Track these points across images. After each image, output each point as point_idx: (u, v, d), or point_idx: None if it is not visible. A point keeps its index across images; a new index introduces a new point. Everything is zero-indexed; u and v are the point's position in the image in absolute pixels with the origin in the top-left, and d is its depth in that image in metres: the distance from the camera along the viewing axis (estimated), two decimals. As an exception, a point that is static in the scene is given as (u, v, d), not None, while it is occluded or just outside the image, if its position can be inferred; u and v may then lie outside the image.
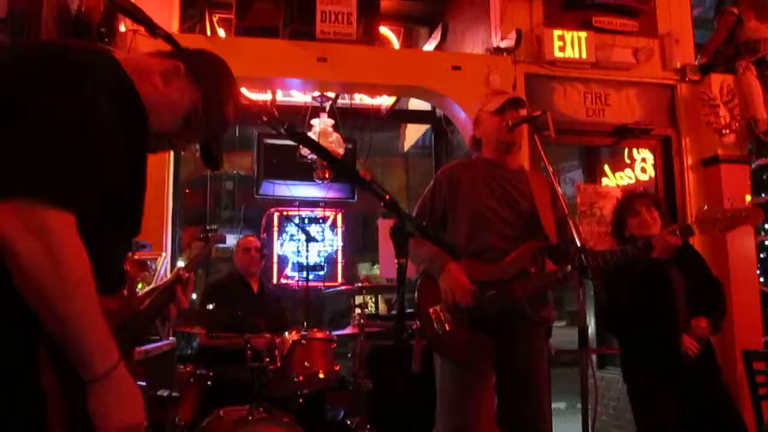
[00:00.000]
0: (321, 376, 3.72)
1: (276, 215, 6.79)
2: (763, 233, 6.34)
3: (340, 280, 6.80)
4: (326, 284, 6.60)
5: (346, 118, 6.18)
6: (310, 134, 5.42)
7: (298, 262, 6.66)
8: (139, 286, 3.64)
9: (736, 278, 5.08)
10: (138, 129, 1.32)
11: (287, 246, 6.80)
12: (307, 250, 5.21)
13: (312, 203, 6.67)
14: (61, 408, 1.16)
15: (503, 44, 5.33)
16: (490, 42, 5.49)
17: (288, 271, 6.74)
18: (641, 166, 5.84)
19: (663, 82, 5.67)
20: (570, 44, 5.36)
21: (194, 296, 4.79)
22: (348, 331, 4.23)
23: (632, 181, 5.81)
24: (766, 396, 4.00)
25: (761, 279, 5.61)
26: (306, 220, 6.82)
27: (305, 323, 4.07)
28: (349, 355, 4.28)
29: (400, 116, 7.19)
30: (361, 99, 6.57)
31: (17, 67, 1.19)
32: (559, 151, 6.53)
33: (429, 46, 6.80)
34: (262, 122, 1.56)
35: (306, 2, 4.94)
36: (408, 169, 9.73)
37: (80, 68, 1.22)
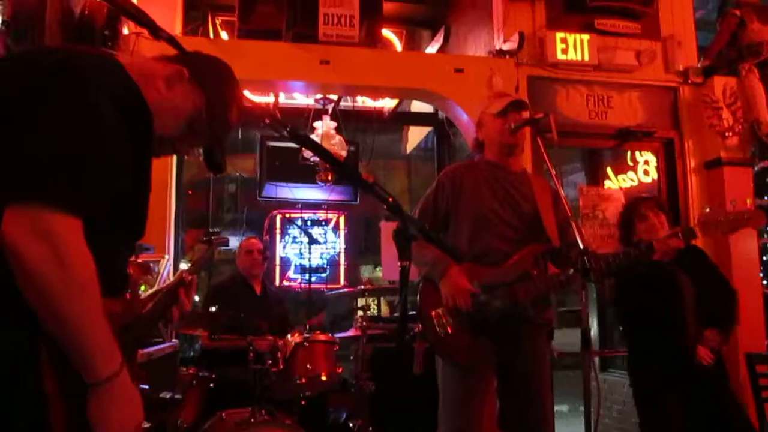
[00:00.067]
0: (323, 378, 3.72)
1: (278, 217, 6.80)
2: (766, 236, 6.33)
3: (342, 282, 6.80)
4: (329, 286, 6.60)
5: (348, 121, 6.18)
6: (312, 137, 5.42)
7: (300, 265, 6.67)
8: (142, 288, 3.64)
9: (739, 281, 5.05)
10: (143, 134, 1.32)
11: (290, 248, 6.81)
12: (310, 253, 5.22)
13: (314, 205, 6.68)
14: (63, 412, 1.16)
15: (506, 47, 5.33)
16: (493, 44, 5.50)
17: (290, 274, 6.75)
18: (644, 168, 5.83)
19: (666, 84, 5.67)
20: (572, 47, 5.36)
21: (196, 298, 4.79)
22: (350, 333, 4.22)
23: (635, 184, 5.81)
24: (769, 399, 4.00)
25: (764, 281, 5.61)
26: (308, 223, 6.83)
27: (308, 326, 4.06)
28: (352, 358, 4.27)
29: (403, 119, 7.20)
30: (364, 101, 6.58)
31: (27, 77, 1.20)
32: (562, 154, 6.52)
33: (431, 49, 6.80)
34: (265, 125, 1.56)
35: (309, 5, 4.94)
36: (410, 171, 9.74)
37: (84, 74, 1.22)
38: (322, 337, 3.83)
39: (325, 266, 6.77)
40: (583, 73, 5.48)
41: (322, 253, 6.79)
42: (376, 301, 6.44)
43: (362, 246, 9.07)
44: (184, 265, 5.46)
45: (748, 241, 5.22)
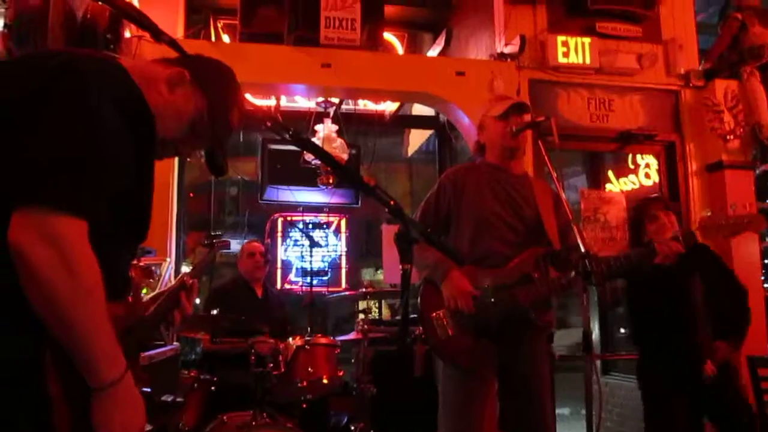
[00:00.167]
0: (324, 381, 3.71)
1: (280, 220, 6.80)
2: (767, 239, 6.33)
3: (343, 285, 6.80)
4: (330, 289, 6.60)
5: (350, 124, 6.19)
6: (314, 140, 5.43)
7: (302, 268, 6.67)
8: (144, 291, 3.65)
9: (740, 284, 5.06)
10: (146, 136, 1.33)
11: (291, 251, 6.81)
12: (311, 256, 5.21)
13: (316, 208, 6.68)
14: (67, 415, 1.17)
15: (507, 50, 5.34)
16: (494, 48, 5.50)
17: (292, 277, 6.74)
18: (645, 171, 5.83)
19: (667, 87, 5.68)
20: (574, 50, 5.37)
21: (198, 301, 4.79)
22: (352, 336, 4.22)
23: (636, 187, 5.81)
24: (771, 402, 3.99)
25: (766, 285, 5.60)
26: (310, 226, 6.82)
27: (309, 329, 4.06)
28: (353, 361, 4.27)
29: (404, 122, 7.21)
30: (365, 104, 6.59)
31: (29, 80, 1.21)
32: (563, 157, 6.52)
33: (433, 52, 6.81)
34: (267, 128, 1.56)
35: (310, 8, 4.96)
36: (411, 174, 9.74)
37: (86, 78, 1.23)
38: (323, 340, 3.82)
39: (326, 269, 6.76)
40: (584, 76, 5.48)
41: (323, 256, 6.79)
42: (377, 304, 6.44)
43: (363, 249, 9.08)
44: (185, 268, 5.46)
45: (750, 244, 5.21)
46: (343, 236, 6.94)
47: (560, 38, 5.36)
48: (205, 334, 3.96)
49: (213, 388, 3.79)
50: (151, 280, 4.20)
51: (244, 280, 4.68)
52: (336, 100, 6.00)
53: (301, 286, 6.52)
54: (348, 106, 6.36)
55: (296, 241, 6.80)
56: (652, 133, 5.55)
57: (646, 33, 5.65)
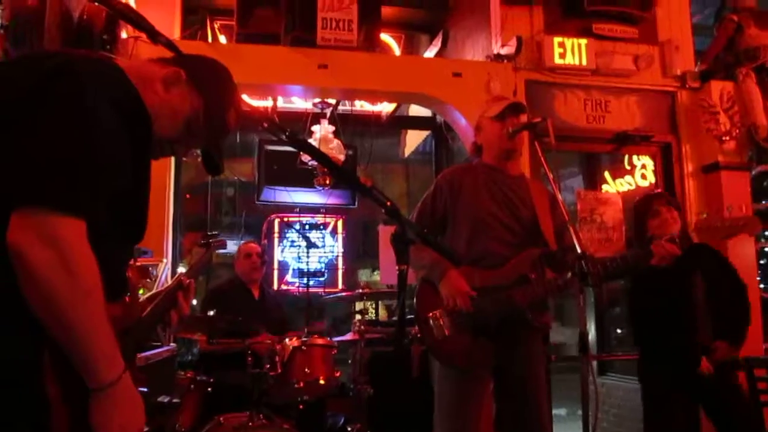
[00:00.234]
0: (321, 382, 3.72)
1: (277, 221, 6.79)
2: (763, 240, 6.35)
3: (340, 286, 6.80)
4: (327, 290, 6.59)
5: (346, 125, 6.19)
6: (310, 141, 5.43)
7: (298, 268, 6.66)
8: (141, 292, 3.64)
9: (736, 285, 5.07)
10: (143, 137, 1.33)
11: (288, 252, 6.80)
12: (308, 257, 5.21)
13: (313, 209, 6.68)
14: (66, 416, 1.17)
15: (504, 51, 5.35)
16: (491, 49, 5.51)
17: (289, 277, 6.74)
18: (641, 172, 5.84)
19: (663, 89, 5.69)
20: (570, 51, 5.38)
21: (195, 302, 4.79)
22: (348, 337, 4.22)
23: (632, 188, 5.82)
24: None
25: (761, 286, 5.61)
26: (307, 227, 6.82)
27: (307, 330, 4.06)
28: (350, 362, 4.27)
29: (401, 123, 7.21)
30: (362, 105, 6.59)
31: (26, 81, 1.21)
32: (560, 158, 6.52)
33: (429, 53, 6.82)
34: (263, 129, 1.56)
35: (307, 9, 4.96)
36: (408, 175, 9.73)
37: (83, 78, 1.23)
38: (320, 341, 3.83)
39: (323, 270, 6.76)
40: (580, 77, 5.49)
41: (320, 257, 6.78)
42: (374, 305, 6.42)
43: (360, 250, 9.06)
44: (182, 269, 5.46)
45: (746, 245, 5.22)
46: (340, 237, 6.94)
47: (557, 39, 5.37)
48: (202, 335, 3.96)
49: (210, 389, 3.79)
50: (147, 281, 4.19)
51: (240, 281, 4.68)
52: (333, 101, 6.00)
53: (298, 287, 6.52)
54: (345, 107, 6.36)
55: (293, 242, 6.79)
56: (648, 134, 5.56)
57: (642, 34, 5.66)
